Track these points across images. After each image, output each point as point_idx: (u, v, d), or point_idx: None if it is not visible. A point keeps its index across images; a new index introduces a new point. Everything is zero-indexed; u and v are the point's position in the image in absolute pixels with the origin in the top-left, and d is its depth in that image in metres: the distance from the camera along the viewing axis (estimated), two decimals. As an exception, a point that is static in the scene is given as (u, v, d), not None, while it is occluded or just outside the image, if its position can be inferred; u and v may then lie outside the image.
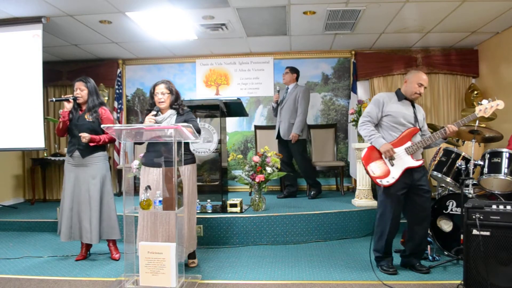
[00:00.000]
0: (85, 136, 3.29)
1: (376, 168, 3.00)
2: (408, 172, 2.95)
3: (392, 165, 2.97)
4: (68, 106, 3.41)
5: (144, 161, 3.16)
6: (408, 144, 2.96)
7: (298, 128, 4.96)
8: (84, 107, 3.48)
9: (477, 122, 3.96)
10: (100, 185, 3.42)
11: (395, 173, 2.95)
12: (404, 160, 2.95)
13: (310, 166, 5.32)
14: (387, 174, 2.96)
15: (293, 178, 5.28)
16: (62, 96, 3.45)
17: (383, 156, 2.98)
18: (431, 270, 3.02)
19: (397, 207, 3.01)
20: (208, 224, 3.95)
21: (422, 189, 2.98)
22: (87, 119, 3.41)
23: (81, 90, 3.44)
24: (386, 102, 3.05)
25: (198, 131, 3.09)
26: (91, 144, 3.37)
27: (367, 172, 3.05)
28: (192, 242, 3.25)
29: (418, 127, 3.02)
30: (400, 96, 3.06)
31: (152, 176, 3.02)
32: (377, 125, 3.10)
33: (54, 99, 3.44)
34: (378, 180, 2.98)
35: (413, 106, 3.07)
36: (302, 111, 5.01)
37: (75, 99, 3.43)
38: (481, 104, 2.94)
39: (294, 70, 5.21)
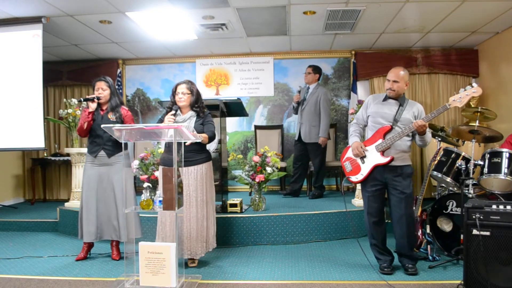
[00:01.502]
0: None
1: (349, 165, 3.13)
2: (380, 169, 2.97)
3: (363, 162, 3.04)
4: (92, 106, 3.37)
5: (163, 162, 3.21)
6: (379, 141, 2.97)
7: (325, 131, 4.97)
8: (104, 107, 3.46)
9: (477, 122, 3.97)
10: (123, 183, 3.42)
11: (364, 170, 3.03)
12: (373, 157, 2.99)
13: (324, 169, 5.30)
14: (357, 171, 3.06)
15: (300, 177, 5.25)
16: (88, 96, 3.42)
17: (352, 153, 3.08)
18: (418, 272, 2.98)
19: (372, 204, 3.05)
20: (208, 224, 3.95)
21: (395, 189, 2.99)
22: (111, 119, 3.40)
23: (103, 90, 3.42)
24: (369, 104, 3.14)
25: (212, 137, 3.18)
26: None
27: (343, 168, 3.20)
28: (212, 240, 3.31)
29: (391, 125, 2.95)
30: (386, 96, 3.08)
31: None
32: (366, 126, 3.20)
33: (82, 99, 3.40)
34: (349, 177, 3.13)
35: (401, 105, 3.00)
36: (327, 114, 5.00)
37: (98, 98, 3.40)
38: (456, 94, 2.87)
39: (317, 70, 5.14)
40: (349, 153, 3.15)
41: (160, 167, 3.23)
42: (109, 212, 3.40)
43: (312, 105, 5.02)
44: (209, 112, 3.33)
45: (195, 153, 3.15)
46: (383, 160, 2.95)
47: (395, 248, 3.14)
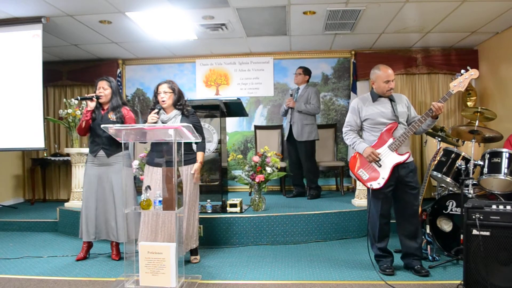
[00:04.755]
0: None
1: (365, 172, 3.02)
2: (395, 169, 2.95)
3: (380, 166, 2.97)
4: (91, 105, 3.37)
5: (148, 161, 3.20)
6: (390, 141, 2.95)
7: (303, 107, 4.98)
8: (106, 107, 3.46)
9: (477, 122, 3.97)
10: (122, 183, 3.40)
11: (384, 173, 2.94)
12: (389, 158, 2.94)
13: (315, 168, 5.29)
14: (377, 176, 2.96)
15: (300, 178, 5.29)
16: (86, 95, 3.43)
17: (368, 159, 2.99)
18: (430, 272, 2.97)
19: (384, 205, 3.01)
20: (208, 224, 3.95)
21: (408, 186, 2.97)
22: (111, 119, 3.39)
23: (104, 89, 3.41)
24: (360, 107, 3.10)
25: (203, 146, 3.21)
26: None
27: (357, 178, 3.08)
28: (194, 239, 3.30)
29: (397, 122, 2.97)
30: (374, 96, 3.07)
31: (156, 176, 3.06)
32: (361, 129, 3.15)
33: (79, 97, 3.42)
34: (368, 184, 2.99)
35: (392, 100, 3.03)
36: (315, 104, 5.04)
37: (98, 97, 3.40)
38: (455, 79, 2.88)
39: (307, 72, 5.21)
40: (361, 161, 3.05)
41: (147, 167, 3.20)
42: (108, 213, 3.39)
43: (302, 104, 5.04)
44: (194, 111, 3.30)
45: (184, 154, 3.13)
46: (402, 158, 2.92)
47: (395, 249, 3.13)
